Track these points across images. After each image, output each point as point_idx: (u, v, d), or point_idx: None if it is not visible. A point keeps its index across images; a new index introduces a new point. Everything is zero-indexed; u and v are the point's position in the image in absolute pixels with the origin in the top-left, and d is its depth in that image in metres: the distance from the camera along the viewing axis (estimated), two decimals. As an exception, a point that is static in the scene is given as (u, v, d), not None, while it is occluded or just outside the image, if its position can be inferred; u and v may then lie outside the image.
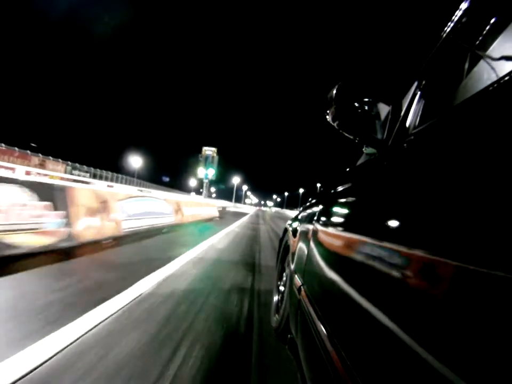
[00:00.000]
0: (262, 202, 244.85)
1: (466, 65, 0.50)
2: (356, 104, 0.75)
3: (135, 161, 50.28)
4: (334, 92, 0.74)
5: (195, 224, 7.04)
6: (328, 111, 0.77)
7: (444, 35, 0.60)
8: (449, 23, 0.59)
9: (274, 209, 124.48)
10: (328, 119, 0.78)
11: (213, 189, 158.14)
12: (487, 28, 0.47)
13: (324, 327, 0.60)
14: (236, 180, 66.71)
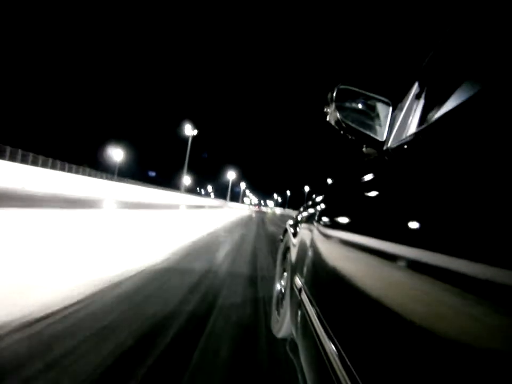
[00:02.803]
0: (262, 202, 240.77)
1: (468, 66, 0.50)
2: (356, 105, 0.74)
3: (116, 154, 45.37)
4: (334, 92, 0.73)
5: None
6: (328, 112, 0.77)
7: (445, 35, 0.60)
8: (449, 23, 0.59)
9: (279, 210, 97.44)
10: (328, 120, 0.78)
11: (209, 188, 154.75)
12: (487, 28, 0.46)
13: (324, 328, 0.60)
14: (231, 175, 57.07)
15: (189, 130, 27.66)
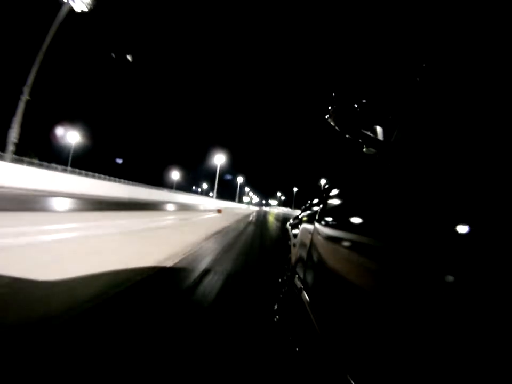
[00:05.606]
0: (264, 201, 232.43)
1: (468, 65, 0.50)
2: (356, 105, 0.74)
3: (71, 138, 37.69)
4: (334, 93, 0.73)
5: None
6: (328, 111, 0.77)
7: (445, 35, 0.60)
8: (450, 23, 0.59)
9: (297, 213, 68.07)
10: (328, 120, 0.77)
11: (205, 186, 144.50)
12: (488, 29, 0.46)
13: (324, 327, 0.60)
14: (219, 158, 36.54)
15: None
